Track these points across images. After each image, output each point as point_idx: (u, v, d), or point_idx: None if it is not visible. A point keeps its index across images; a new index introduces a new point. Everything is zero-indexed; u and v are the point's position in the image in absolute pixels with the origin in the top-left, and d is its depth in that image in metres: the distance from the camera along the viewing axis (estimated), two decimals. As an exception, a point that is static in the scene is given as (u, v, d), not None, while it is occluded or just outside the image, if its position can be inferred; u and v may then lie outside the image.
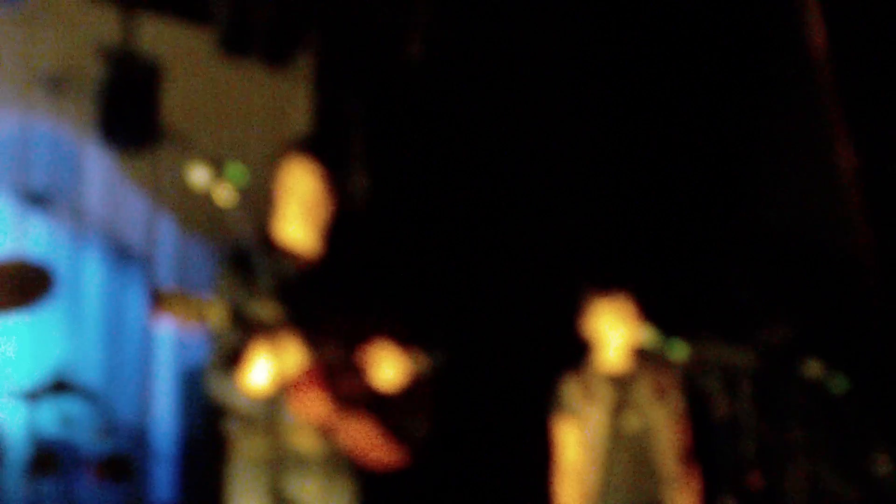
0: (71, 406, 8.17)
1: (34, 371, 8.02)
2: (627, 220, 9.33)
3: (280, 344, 4.14)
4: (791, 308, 7.97)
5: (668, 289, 6.80)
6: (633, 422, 5.67)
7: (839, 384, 5.55)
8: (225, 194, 4.20)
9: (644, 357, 5.74)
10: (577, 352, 5.92)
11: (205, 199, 4.42)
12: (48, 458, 7.78)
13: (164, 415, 9.20)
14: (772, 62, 9.02)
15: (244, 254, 4.60)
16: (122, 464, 8.08)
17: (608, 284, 5.78)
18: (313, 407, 4.48)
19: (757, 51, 9.10)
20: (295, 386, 4.45)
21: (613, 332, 5.72)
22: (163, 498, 8.98)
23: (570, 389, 5.76)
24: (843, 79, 8.48)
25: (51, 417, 8.06)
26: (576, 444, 5.69)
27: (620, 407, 5.67)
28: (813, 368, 5.55)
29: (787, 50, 8.93)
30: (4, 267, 7.49)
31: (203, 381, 8.17)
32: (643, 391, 5.75)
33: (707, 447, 5.40)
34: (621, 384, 5.73)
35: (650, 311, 5.74)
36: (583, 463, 5.65)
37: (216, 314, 4.09)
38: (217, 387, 4.63)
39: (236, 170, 4.23)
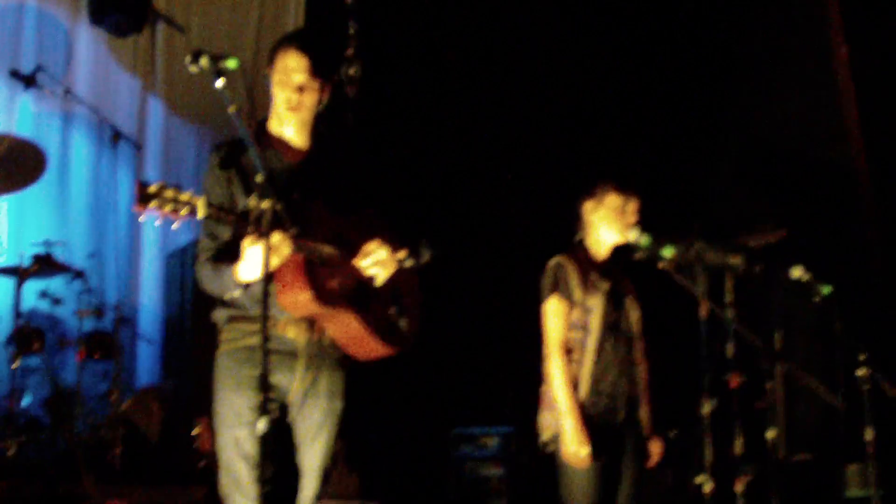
0: (58, 284, 8.15)
1: (22, 249, 7.96)
2: (622, 123, 9.26)
3: (269, 238, 4.04)
4: (780, 214, 7.92)
5: (661, 192, 6.73)
6: (620, 315, 5.63)
7: (823, 290, 5.50)
8: (217, 84, 4.08)
9: (620, 258, 5.68)
10: (562, 240, 5.83)
11: (196, 87, 4.33)
12: (34, 335, 7.75)
13: (149, 296, 9.17)
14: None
15: (234, 146, 4.50)
16: (107, 343, 8.05)
17: (620, 183, 5.68)
18: (301, 300, 4.40)
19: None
20: (283, 279, 4.38)
21: (609, 227, 5.63)
22: (147, 378, 8.98)
23: (566, 273, 5.63)
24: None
25: (37, 295, 8.04)
26: (565, 324, 5.59)
27: (611, 299, 5.60)
28: (797, 273, 5.49)
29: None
30: (-6, 146, 7.40)
31: (190, 267, 8.16)
32: (626, 289, 5.72)
33: (690, 347, 5.34)
34: (612, 278, 5.66)
35: (644, 212, 5.67)
36: (573, 345, 5.57)
37: (203, 209, 3.98)
38: (206, 279, 4.53)
39: (230, 60, 4.10)
